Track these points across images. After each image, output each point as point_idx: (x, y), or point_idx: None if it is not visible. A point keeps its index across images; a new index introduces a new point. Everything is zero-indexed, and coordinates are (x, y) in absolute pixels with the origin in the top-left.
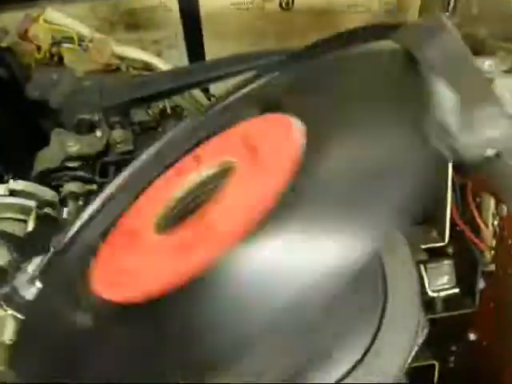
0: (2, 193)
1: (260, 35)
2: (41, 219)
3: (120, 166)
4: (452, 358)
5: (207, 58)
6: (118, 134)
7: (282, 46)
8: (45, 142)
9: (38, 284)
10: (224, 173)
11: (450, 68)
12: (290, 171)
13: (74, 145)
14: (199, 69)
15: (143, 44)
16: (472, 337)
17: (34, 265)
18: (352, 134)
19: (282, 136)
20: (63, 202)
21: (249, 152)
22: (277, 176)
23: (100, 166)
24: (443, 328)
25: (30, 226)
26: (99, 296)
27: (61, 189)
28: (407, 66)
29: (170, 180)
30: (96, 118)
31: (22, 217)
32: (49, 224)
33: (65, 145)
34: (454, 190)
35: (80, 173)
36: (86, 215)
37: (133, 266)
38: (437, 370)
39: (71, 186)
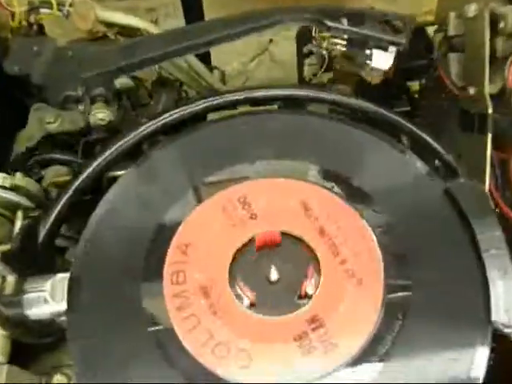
0: None
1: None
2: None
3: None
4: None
5: None
6: (99, 107)
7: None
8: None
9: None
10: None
11: None
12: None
13: (54, 121)
14: (194, 31)
15: (137, 13)
16: None
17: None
18: None
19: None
20: (46, 193)
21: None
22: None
23: (83, 145)
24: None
25: (17, 227)
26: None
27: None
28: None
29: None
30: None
31: (6, 213)
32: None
33: (44, 121)
34: (493, 167)
35: (58, 155)
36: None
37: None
38: None
39: (51, 174)
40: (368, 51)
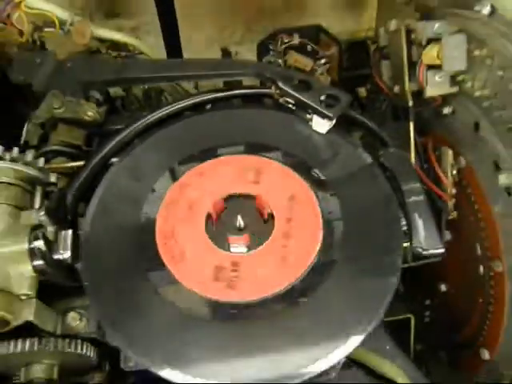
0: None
1: (232, 20)
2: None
3: (104, 137)
4: (427, 313)
5: (183, 43)
6: (89, 107)
7: (252, 29)
8: (20, 127)
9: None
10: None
11: None
12: None
13: (60, 107)
14: (180, 65)
15: (122, 31)
16: (443, 288)
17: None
18: None
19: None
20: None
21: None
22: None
23: (86, 137)
24: (416, 278)
25: (37, 200)
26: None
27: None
28: None
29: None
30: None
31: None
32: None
33: (51, 106)
34: (416, 149)
35: (66, 148)
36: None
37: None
38: (413, 323)
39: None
40: (309, 116)
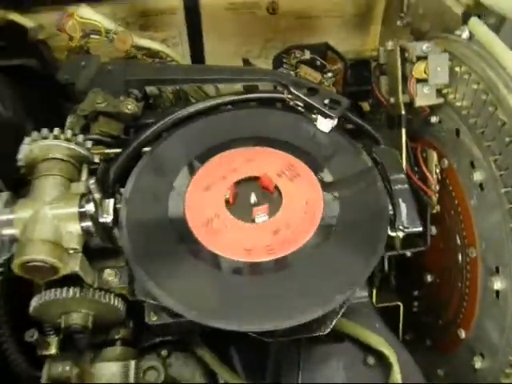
0: (63, 138)
1: (251, 37)
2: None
3: (139, 129)
4: (415, 303)
5: (206, 55)
6: (129, 102)
7: (269, 45)
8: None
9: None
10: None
11: None
12: None
13: (102, 102)
14: (207, 70)
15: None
16: (429, 278)
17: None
18: None
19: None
20: None
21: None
22: None
23: (125, 128)
24: (401, 271)
25: (84, 175)
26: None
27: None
28: None
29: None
30: None
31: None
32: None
33: (94, 101)
34: (407, 151)
35: (104, 138)
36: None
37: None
38: (401, 311)
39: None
40: (314, 116)
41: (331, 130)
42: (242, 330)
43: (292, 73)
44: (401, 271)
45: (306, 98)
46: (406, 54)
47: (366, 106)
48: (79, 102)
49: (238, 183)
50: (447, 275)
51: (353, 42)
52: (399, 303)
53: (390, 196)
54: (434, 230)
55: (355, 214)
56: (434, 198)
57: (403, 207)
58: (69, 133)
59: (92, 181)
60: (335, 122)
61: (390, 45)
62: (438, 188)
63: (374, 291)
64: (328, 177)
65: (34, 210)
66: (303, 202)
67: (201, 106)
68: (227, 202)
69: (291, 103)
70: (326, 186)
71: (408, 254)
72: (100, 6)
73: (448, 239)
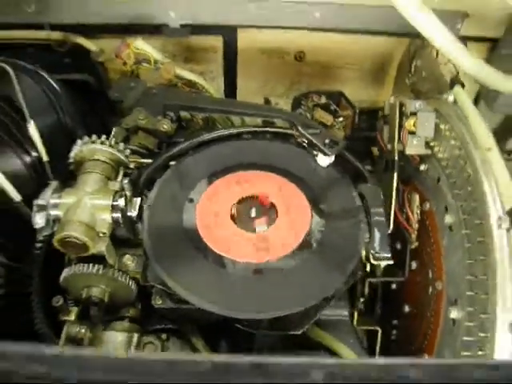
0: (108, 144)
1: (278, 79)
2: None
3: (170, 145)
4: (394, 332)
5: (238, 89)
6: (165, 122)
7: (293, 87)
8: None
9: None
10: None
11: None
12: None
13: (143, 119)
14: (233, 104)
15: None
16: (406, 309)
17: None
18: None
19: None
20: None
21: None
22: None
23: (158, 143)
24: (385, 301)
25: (120, 176)
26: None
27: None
28: None
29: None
30: None
31: (115, 166)
32: None
33: (137, 118)
34: (397, 193)
35: (141, 149)
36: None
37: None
38: (379, 336)
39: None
40: (315, 152)
41: (328, 166)
42: (231, 316)
43: (308, 114)
44: (385, 301)
45: (309, 137)
46: (404, 109)
47: (375, 150)
48: (123, 116)
49: (242, 199)
50: (420, 306)
51: (368, 92)
52: (378, 328)
53: (369, 225)
54: (414, 264)
55: (334, 237)
56: (414, 235)
57: (377, 236)
58: (113, 140)
59: (126, 181)
60: (332, 158)
61: (392, 99)
62: (417, 226)
63: (356, 313)
64: (319, 203)
65: (77, 197)
66: (294, 219)
67: (223, 133)
68: (232, 215)
69: (298, 140)
70: (315, 210)
71: (393, 286)
72: (153, 40)
73: (423, 273)
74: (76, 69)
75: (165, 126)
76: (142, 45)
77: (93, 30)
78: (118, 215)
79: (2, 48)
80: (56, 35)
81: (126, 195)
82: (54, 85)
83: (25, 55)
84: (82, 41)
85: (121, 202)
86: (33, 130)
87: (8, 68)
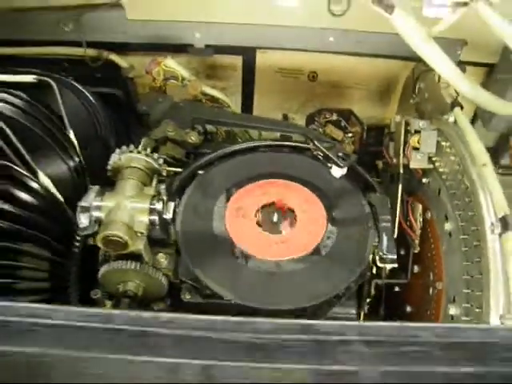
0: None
1: (292, 96)
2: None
3: (197, 156)
4: None
5: (254, 105)
6: (193, 134)
7: (307, 104)
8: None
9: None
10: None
11: None
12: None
13: (172, 131)
14: (254, 119)
15: (215, 89)
16: (408, 309)
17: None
18: None
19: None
20: None
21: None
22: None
23: (186, 153)
24: (388, 302)
25: (154, 183)
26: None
27: None
28: None
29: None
30: None
31: (149, 173)
32: None
33: (166, 129)
34: (402, 202)
35: (169, 159)
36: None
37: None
38: None
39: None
40: (329, 164)
41: (341, 177)
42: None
43: (320, 130)
44: (389, 303)
45: (324, 150)
46: (409, 127)
47: (379, 163)
48: (149, 128)
49: (265, 205)
50: (421, 306)
51: (376, 110)
52: None
53: (377, 230)
54: (416, 268)
55: (346, 240)
56: (416, 240)
57: (385, 240)
58: (148, 150)
59: (163, 186)
60: (345, 170)
61: (398, 118)
62: (419, 233)
63: (362, 314)
64: (333, 210)
65: (117, 201)
66: (311, 223)
67: (250, 144)
68: (256, 219)
69: (314, 153)
70: (329, 216)
71: (396, 288)
72: (179, 57)
73: (425, 276)
74: (106, 83)
75: (193, 138)
76: (171, 63)
77: (124, 48)
78: (155, 217)
79: (39, 61)
80: (91, 52)
81: (163, 199)
82: (90, 97)
83: (60, 69)
84: (114, 57)
85: (158, 206)
86: (73, 137)
87: (52, 82)
